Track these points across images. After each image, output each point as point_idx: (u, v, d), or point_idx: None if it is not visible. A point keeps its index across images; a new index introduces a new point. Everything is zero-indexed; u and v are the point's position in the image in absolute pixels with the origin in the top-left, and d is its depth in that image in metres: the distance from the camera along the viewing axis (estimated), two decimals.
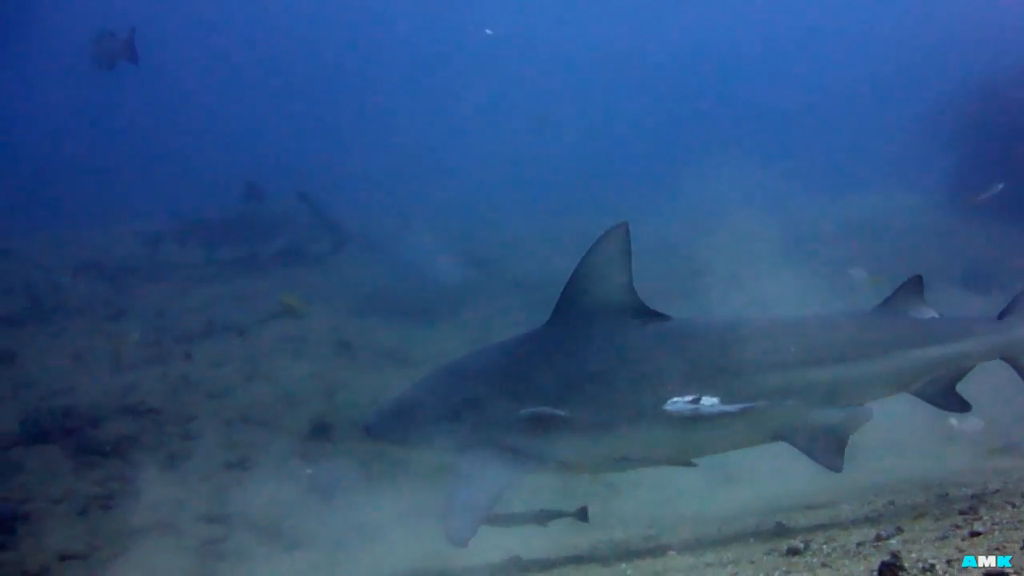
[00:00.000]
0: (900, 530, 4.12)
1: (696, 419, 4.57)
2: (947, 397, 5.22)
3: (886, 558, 3.11)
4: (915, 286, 5.41)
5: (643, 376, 4.78)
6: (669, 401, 4.58)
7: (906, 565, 3.06)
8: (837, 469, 4.71)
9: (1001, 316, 5.34)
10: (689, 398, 4.57)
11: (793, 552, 3.96)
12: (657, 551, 5.07)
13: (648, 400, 4.67)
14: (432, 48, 46.64)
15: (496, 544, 5.96)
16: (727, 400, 4.59)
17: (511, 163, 27.55)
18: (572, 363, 4.91)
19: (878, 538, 3.98)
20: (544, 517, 6.00)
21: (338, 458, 8.90)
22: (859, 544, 3.93)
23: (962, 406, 5.27)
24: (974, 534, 3.60)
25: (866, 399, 5.04)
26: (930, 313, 5.35)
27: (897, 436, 8.02)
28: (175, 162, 31.23)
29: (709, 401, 4.57)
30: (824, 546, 4.03)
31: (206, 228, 17.19)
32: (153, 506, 7.82)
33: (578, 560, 5.32)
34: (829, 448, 4.72)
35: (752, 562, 3.98)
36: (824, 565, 3.56)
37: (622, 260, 5.01)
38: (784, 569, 3.60)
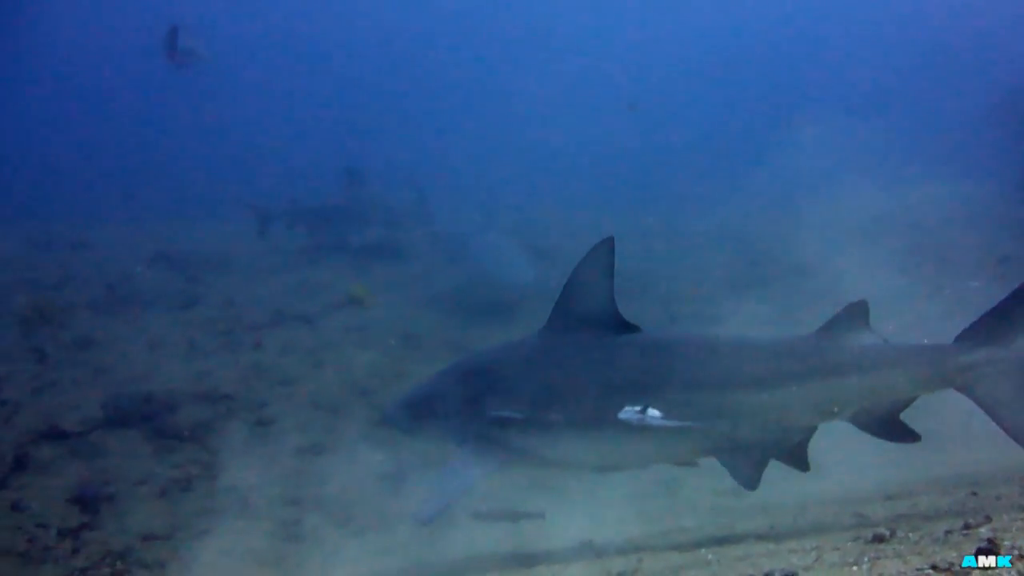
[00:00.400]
0: (989, 519, 4.04)
1: (640, 429, 4.94)
2: (887, 428, 4.99)
3: (982, 544, 3.07)
4: (858, 311, 5.10)
5: (602, 385, 5.14)
6: (622, 410, 4.95)
7: (1002, 552, 3.01)
8: (751, 488, 4.97)
9: (955, 341, 4.89)
10: (638, 409, 4.93)
11: (879, 539, 3.92)
12: (734, 538, 5.05)
13: (603, 408, 5.03)
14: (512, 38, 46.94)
15: (570, 529, 6.04)
16: (668, 415, 4.93)
17: (585, 155, 27.61)
18: (550, 369, 5.36)
19: (967, 526, 3.91)
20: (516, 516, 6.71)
21: (405, 444, 9.04)
22: (947, 532, 3.87)
23: (911, 437, 4.98)
24: None
25: (795, 423, 5.03)
26: (872, 339, 5.05)
27: (972, 428, 7.86)
28: (275, 151, 31.85)
29: (654, 414, 4.92)
30: (910, 534, 3.97)
31: (307, 215, 17.33)
32: (230, 489, 8.02)
33: (654, 547, 5.32)
34: (747, 468, 4.99)
35: (837, 548, 3.95)
36: (914, 552, 3.52)
37: (605, 275, 5.29)
38: (872, 555, 3.57)
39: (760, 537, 4.90)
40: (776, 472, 7.41)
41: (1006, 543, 3.22)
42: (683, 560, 4.51)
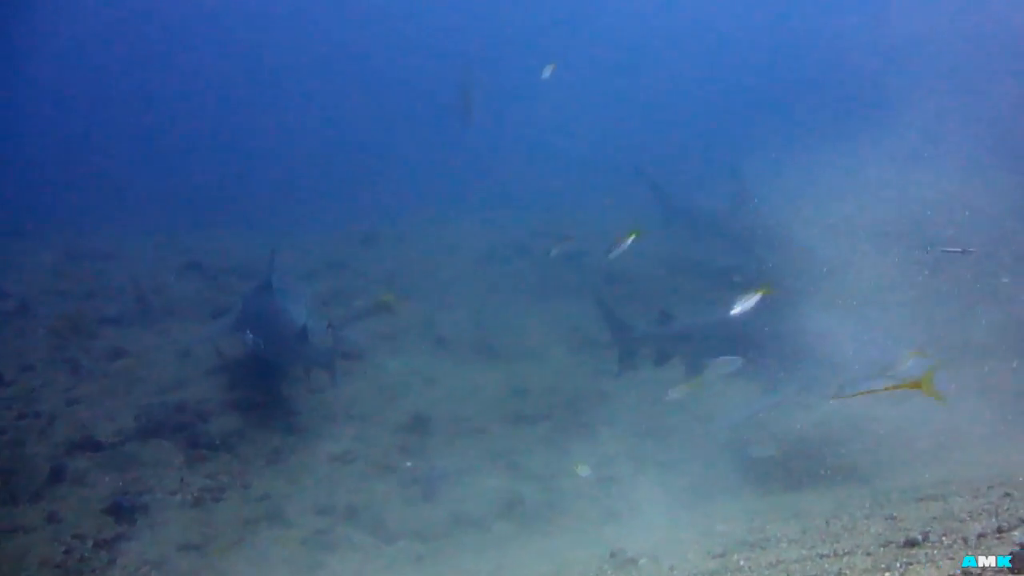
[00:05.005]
0: (1022, 521, 4.00)
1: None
2: None
3: (1015, 549, 3.04)
4: None
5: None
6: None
7: None
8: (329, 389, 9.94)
9: None
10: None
11: (911, 544, 3.90)
12: (764, 542, 5.03)
13: None
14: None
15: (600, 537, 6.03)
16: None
17: None
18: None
19: (999, 530, 3.88)
20: None
21: (436, 451, 9.09)
22: (980, 536, 3.83)
23: None
24: None
25: None
26: None
27: (1006, 430, 7.76)
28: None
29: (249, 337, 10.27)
30: (943, 538, 3.94)
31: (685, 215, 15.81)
32: (262, 498, 8.11)
33: (684, 552, 5.30)
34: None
35: (868, 554, 3.92)
36: (946, 557, 3.49)
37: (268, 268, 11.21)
38: (904, 560, 3.55)
39: (792, 541, 4.87)
40: (808, 475, 7.41)
41: None
42: (715, 566, 4.49)
